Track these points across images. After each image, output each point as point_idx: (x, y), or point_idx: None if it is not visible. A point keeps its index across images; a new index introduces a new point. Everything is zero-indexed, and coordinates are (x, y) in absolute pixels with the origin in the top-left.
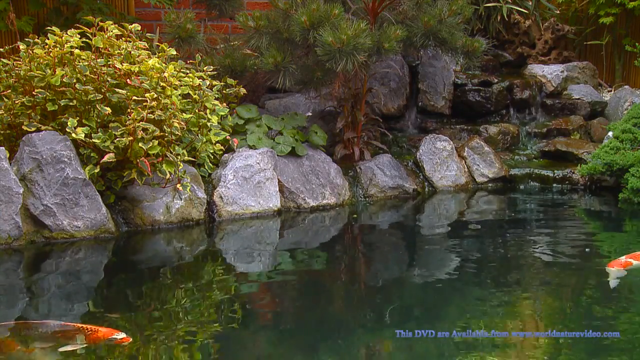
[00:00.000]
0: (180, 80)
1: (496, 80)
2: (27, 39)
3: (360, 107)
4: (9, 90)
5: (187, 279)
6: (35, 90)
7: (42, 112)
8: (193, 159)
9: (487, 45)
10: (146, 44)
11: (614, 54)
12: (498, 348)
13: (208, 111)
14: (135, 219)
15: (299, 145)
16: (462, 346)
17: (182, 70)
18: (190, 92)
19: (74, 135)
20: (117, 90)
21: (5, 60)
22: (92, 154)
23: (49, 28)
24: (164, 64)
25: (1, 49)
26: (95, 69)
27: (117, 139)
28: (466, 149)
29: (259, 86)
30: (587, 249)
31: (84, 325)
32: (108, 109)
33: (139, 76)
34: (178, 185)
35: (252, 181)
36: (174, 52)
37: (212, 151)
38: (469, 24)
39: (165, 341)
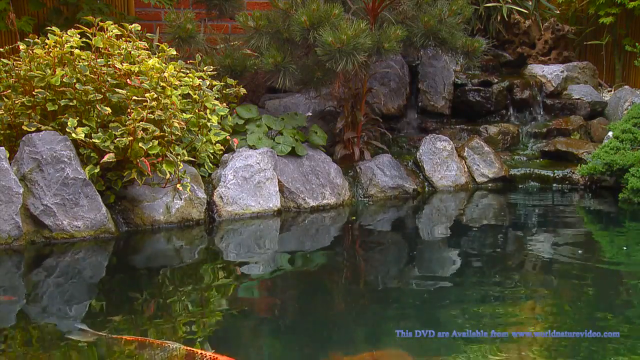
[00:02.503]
0: (180, 80)
1: (496, 80)
2: (27, 39)
3: (360, 107)
4: (9, 90)
5: (187, 279)
6: (35, 90)
7: (42, 112)
8: (193, 159)
9: (487, 45)
10: (146, 44)
11: (614, 54)
12: (498, 348)
13: (208, 111)
14: (135, 219)
15: (299, 145)
16: (462, 346)
17: (182, 70)
18: (190, 92)
19: (74, 135)
20: (117, 90)
21: (5, 60)
22: (92, 154)
23: (49, 28)
24: (164, 64)
25: (1, 49)
26: (95, 69)
27: (117, 139)
28: (466, 149)
29: (259, 86)
30: (579, 250)
31: (203, 352)
32: (108, 109)
33: (139, 76)
34: (178, 185)
35: (252, 181)
36: (174, 52)
37: (212, 151)
38: (469, 24)
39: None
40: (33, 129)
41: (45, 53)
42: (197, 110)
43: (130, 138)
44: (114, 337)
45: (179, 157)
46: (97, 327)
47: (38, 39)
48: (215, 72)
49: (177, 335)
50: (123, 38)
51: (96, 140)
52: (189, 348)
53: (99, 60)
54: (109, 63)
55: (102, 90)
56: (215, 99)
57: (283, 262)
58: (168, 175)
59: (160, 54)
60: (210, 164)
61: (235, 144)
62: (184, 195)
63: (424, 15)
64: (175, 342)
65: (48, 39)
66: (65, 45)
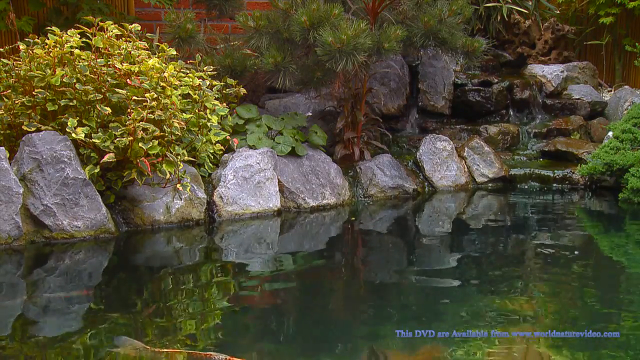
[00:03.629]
0: (180, 80)
1: (496, 80)
2: (27, 39)
3: (360, 107)
4: (9, 90)
5: (187, 279)
6: (35, 90)
7: (42, 112)
8: (193, 159)
9: (487, 45)
10: (146, 44)
11: (614, 54)
12: (498, 348)
13: (208, 111)
14: (135, 219)
15: (299, 145)
16: (462, 346)
17: (182, 70)
18: (190, 92)
19: (74, 135)
20: (117, 90)
21: (5, 60)
22: (92, 154)
23: (49, 28)
24: (164, 64)
25: (1, 49)
26: (95, 69)
27: (117, 139)
28: (466, 149)
29: (259, 86)
30: (579, 250)
31: None
32: (108, 109)
33: (139, 76)
34: (178, 185)
35: (252, 181)
36: (174, 52)
37: (212, 151)
38: (469, 24)
39: (166, 342)
40: (33, 129)
41: (45, 53)
42: (197, 110)
43: (130, 138)
44: (157, 351)
45: (179, 157)
46: (97, 327)
47: (38, 39)
48: (215, 72)
49: (178, 336)
50: (123, 38)
51: (96, 140)
52: (233, 358)
53: (99, 60)
54: (109, 63)
55: (102, 90)
56: (215, 99)
57: (283, 262)
58: (168, 175)
59: (160, 54)
60: (210, 164)
61: (235, 144)
62: (184, 195)
63: (424, 15)
64: (220, 353)
65: (48, 39)
66: (65, 45)
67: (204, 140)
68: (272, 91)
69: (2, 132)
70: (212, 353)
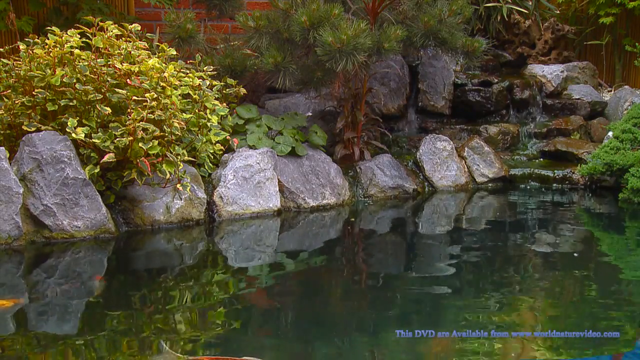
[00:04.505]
0: (180, 80)
1: (496, 80)
2: (27, 39)
3: (360, 107)
4: (9, 90)
5: (187, 279)
6: (35, 90)
7: (42, 112)
8: (193, 159)
9: (487, 45)
10: (146, 44)
11: (614, 54)
12: (498, 348)
13: (208, 111)
14: (135, 219)
15: (299, 145)
16: (462, 346)
17: (182, 70)
18: (190, 92)
19: (74, 135)
20: (117, 90)
21: (5, 60)
22: (92, 154)
23: (49, 28)
24: (164, 64)
25: (1, 49)
26: (95, 69)
27: (117, 139)
28: (466, 149)
29: (259, 86)
30: (579, 250)
31: None
32: (108, 109)
33: (139, 76)
34: (178, 185)
35: (252, 181)
36: (174, 52)
37: (212, 151)
38: (469, 24)
39: (166, 341)
40: (33, 129)
41: (45, 53)
42: (197, 110)
43: (130, 138)
44: (193, 359)
45: (179, 157)
46: (96, 328)
47: (38, 39)
48: (215, 72)
49: (178, 336)
50: (123, 38)
51: (96, 140)
52: None
53: (99, 60)
54: (109, 63)
55: (102, 90)
56: (215, 99)
57: (283, 263)
58: (168, 175)
59: (160, 54)
60: (210, 164)
61: (235, 144)
62: (184, 195)
63: (424, 15)
64: (255, 357)
65: (48, 39)
66: (65, 45)
67: (204, 140)
68: (272, 91)
69: (2, 132)
70: (246, 358)
